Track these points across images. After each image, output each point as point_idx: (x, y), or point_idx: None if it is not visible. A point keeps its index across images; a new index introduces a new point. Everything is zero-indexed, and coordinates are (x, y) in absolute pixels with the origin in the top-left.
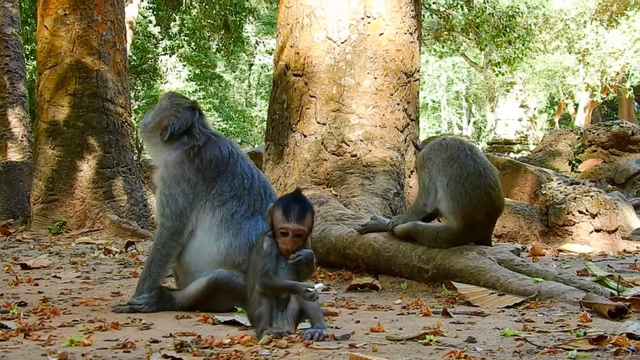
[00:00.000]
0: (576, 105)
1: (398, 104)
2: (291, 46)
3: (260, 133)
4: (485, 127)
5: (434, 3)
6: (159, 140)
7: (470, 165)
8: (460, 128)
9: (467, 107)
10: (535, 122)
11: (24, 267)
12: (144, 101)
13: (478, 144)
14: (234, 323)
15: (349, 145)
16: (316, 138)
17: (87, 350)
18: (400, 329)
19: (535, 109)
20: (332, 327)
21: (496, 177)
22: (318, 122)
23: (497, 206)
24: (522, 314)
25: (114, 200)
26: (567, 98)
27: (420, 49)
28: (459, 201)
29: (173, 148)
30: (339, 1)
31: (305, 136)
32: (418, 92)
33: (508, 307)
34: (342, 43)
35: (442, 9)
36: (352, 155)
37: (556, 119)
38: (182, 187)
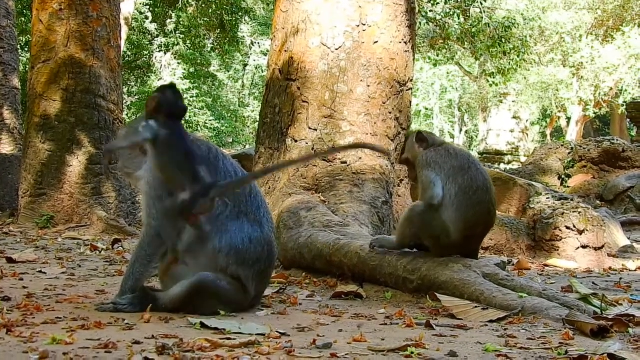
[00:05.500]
0: (568, 119)
1: (390, 113)
2: (285, 50)
3: (252, 133)
4: (476, 137)
5: (430, 11)
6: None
7: (480, 180)
8: (452, 137)
9: (459, 116)
10: (527, 134)
11: (10, 260)
12: (137, 97)
13: None
14: (213, 327)
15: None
16: (307, 143)
17: (68, 349)
18: (383, 339)
19: (527, 120)
20: (314, 336)
21: (495, 194)
22: (310, 128)
23: (491, 223)
24: (505, 329)
25: (102, 196)
26: (559, 111)
27: (414, 59)
28: (463, 213)
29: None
30: (335, 8)
31: (296, 141)
32: (410, 102)
33: (491, 321)
34: (337, 49)
35: (438, 18)
36: (342, 162)
37: (548, 132)
38: (167, 189)
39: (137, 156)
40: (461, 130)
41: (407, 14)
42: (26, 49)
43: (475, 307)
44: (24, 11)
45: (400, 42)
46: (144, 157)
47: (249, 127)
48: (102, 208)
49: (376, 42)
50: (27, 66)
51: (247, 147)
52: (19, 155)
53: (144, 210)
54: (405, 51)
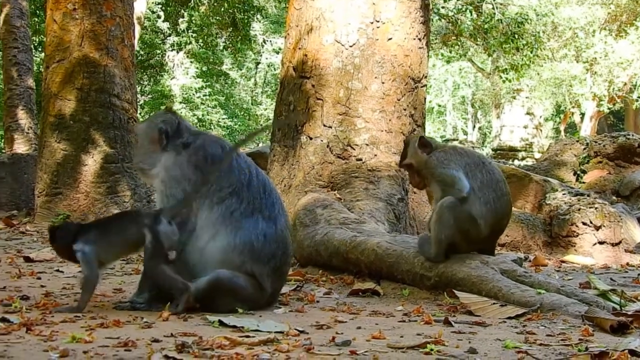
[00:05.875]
0: (582, 115)
1: (405, 110)
2: (299, 48)
3: (265, 132)
4: (490, 133)
5: (442, 7)
6: (158, 152)
7: (497, 173)
8: (465, 133)
9: (472, 112)
10: (541, 130)
11: (27, 259)
12: (150, 96)
13: (482, 149)
14: (231, 325)
15: (354, 149)
16: (322, 141)
17: (88, 348)
18: (402, 336)
19: (541, 116)
20: (333, 333)
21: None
22: (324, 125)
23: (509, 216)
24: (524, 326)
25: (117, 195)
26: (573, 107)
27: (428, 55)
28: (492, 206)
29: (169, 152)
30: (349, 5)
31: (311, 138)
32: (425, 98)
33: (510, 318)
34: (351, 47)
35: (450, 14)
36: (358, 159)
37: (562, 128)
38: (182, 186)
39: (154, 153)
40: (474, 126)
41: (421, 10)
42: (39, 49)
43: (494, 303)
44: (37, 11)
45: (415, 39)
46: (160, 154)
47: (261, 125)
48: (118, 207)
49: (390, 38)
50: (41, 66)
51: (260, 144)
52: (34, 154)
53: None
54: (420, 48)
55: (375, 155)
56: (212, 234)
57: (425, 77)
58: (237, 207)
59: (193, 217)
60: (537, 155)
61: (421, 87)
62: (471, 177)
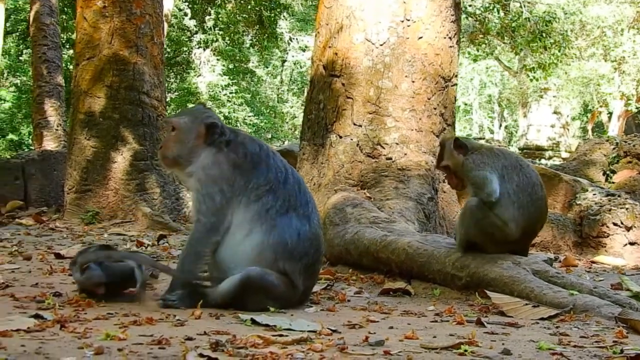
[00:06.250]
0: (610, 114)
1: (435, 109)
2: (330, 47)
3: (291, 129)
4: (516, 132)
5: (470, 6)
6: (200, 147)
7: (534, 177)
8: (492, 132)
9: (499, 111)
10: (568, 129)
11: (58, 256)
12: (176, 93)
13: (509, 148)
14: (263, 324)
15: (384, 148)
16: (352, 140)
17: (122, 345)
18: (434, 337)
19: (568, 115)
20: (366, 333)
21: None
22: (354, 124)
23: (545, 219)
24: (557, 327)
25: (146, 192)
26: (601, 106)
27: (459, 54)
28: (526, 210)
29: (209, 149)
30: (379, 3)
31: (341, 137)
32: (455, 97)
33: (542, 319)
34: (381, 45)
35: (478, 12)
36: (387, 158)
37: (589, 127)
38: (220, 186)
39: (196, 148)
40: (500, 125)
41: (452, 9)
42: (67, 46)
43: (526, 304)
44: (65, 8)
45: (445, 38)
46: (201, 149)
47: (287, 122)
48: (147, 204)
49: (421, 37)
50: (69, 63)
51: (286, 142)
52: (63, 151)
53: (194, 206)
54: (450, 46)
55: (405, 154)
56: (247, 231)
57: (456, 76)
58: (272, 204)
59: (229, 215)
60: (564, 155)
61: (451, 86)
62: (507, 179)
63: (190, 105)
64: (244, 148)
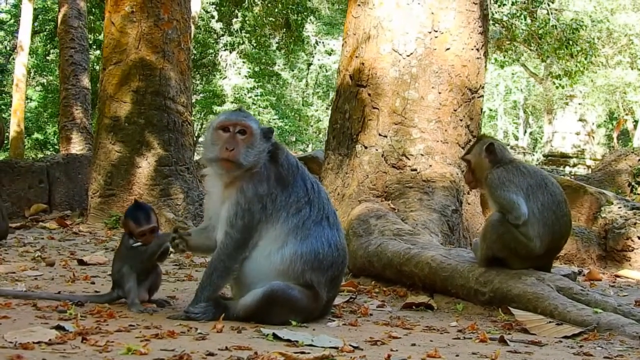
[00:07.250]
0: (635, 122)
1: (461, 120)
2: (357, 56)
3: (315, 133)
4: (541, 139)
5: (497, 12)
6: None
7: (558, 194)
8: (517, 138)
9: (524, 117)
10: (593, 137)
11: (81, 262)
12: (201, 95)
13: (533, 155)
14: (285, 339)
15: (409, 159)
16: (377, 150)
17: None
18: (457, 355)
19: (593, 123)
20: (388, 350)
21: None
22: (380, 134)
23: (568, 235)
24: (580, 346)
25: (170, 198)
26: (627, 114)
27: (486, 66)
28: (550, 227)
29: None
30: (407, 14)
31: (366, 147)
32: (481, 109)
33: (566, 337)
34: (408, 56)
35: (505, 19)
36: (412, 170)
37: (614, 135)
38: (263, 203)
39: (261, 153)
40: (525, 132)
41: (480, 21)
42: (94, 47)
43: (549, 322)
44: (92, 9)
45: (472, 49)
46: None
47: (312, 126)
48: (170, 210)
49: (448, 48)
50: (95, 64)
51: (310, 146)
52: (88, 155)
53: (228, 218)
54: (477, 58)
55: (430, 165)
56: (281, 243)
57: (482, 87)
58: (309, 215)
59: (261, 231)
60: (589, 162)
61: (478, 97)
62: (532, 199)
63: (217, 108)
64: (286, 160)
